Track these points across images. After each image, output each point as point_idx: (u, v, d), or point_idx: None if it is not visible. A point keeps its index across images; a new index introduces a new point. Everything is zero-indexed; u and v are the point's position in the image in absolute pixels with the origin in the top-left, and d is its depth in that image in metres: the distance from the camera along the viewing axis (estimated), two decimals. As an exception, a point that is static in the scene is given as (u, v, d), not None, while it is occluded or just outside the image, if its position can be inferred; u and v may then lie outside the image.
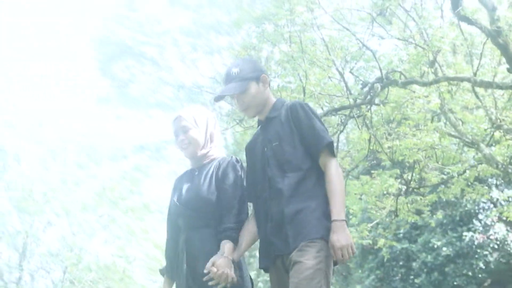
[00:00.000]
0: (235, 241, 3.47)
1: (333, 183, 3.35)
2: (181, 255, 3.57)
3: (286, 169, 3.43)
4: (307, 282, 3.16)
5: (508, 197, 13.16)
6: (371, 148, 8.89)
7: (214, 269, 3.29)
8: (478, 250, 13.30)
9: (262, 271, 4.04)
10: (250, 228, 3.54)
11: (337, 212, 3.27)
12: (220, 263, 3.32)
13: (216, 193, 3.57)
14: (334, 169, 3.39)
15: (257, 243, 3.61)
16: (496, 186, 13.52)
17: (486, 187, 11.56)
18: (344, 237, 3.21)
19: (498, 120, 8.98)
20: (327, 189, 3.37)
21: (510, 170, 8.91)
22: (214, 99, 3.78)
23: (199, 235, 3.53)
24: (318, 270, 3.20)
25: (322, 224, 3.30)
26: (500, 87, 8.15)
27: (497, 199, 13.42)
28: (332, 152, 3.45)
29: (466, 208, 13.56)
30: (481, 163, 9.61)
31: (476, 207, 13.56)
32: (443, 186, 10.49)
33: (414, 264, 14.25)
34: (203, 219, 3.55)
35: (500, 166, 8.89)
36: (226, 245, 3.42)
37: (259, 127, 3.74)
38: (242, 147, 8.09)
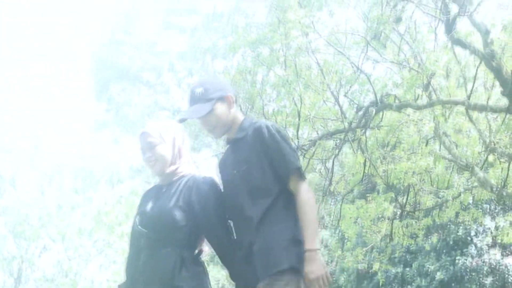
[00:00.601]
0: None
1: (304, 210, 3.25)
2: (138, 275, 3.41)
3: (256, 196, 3.32)
4: None
5: (504, 224, 13.13)
6: (366, 171, 8.90)
7: None
8: (473, 274, 13.25)
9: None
10: None
11: (310, 241, 3.18)
12: None
13: (184, 213, 3.38)
14: (305, 194, 3.28)
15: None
16: (490, 210, 13.51)
17: (481, 211, 11.56)
18: (317, 267, 3.14)
19: (492, 143, 8.99)
20: (299, 217, 3.26)
21: (504, 193, 8.91)
22: (178, 121, 3.64)
23: (157, 256, 3.34)
24: None
25: (290, 252, 3.20)
26: (494, 110, 8.16)
27: (489, 228, 13.43)
28: (301, 176, 3.35)
29: (459, 233, 13.53)
30: (475, 187, 9.63)
31: (471, 231, 13.53)
32: (437, 209, 10.47)
33: (409, 288, 14.20)
34: (164, 239, 3.36)
35: (494, 189, 8.89)
36: None
37: (228, 147, 3.63)
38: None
